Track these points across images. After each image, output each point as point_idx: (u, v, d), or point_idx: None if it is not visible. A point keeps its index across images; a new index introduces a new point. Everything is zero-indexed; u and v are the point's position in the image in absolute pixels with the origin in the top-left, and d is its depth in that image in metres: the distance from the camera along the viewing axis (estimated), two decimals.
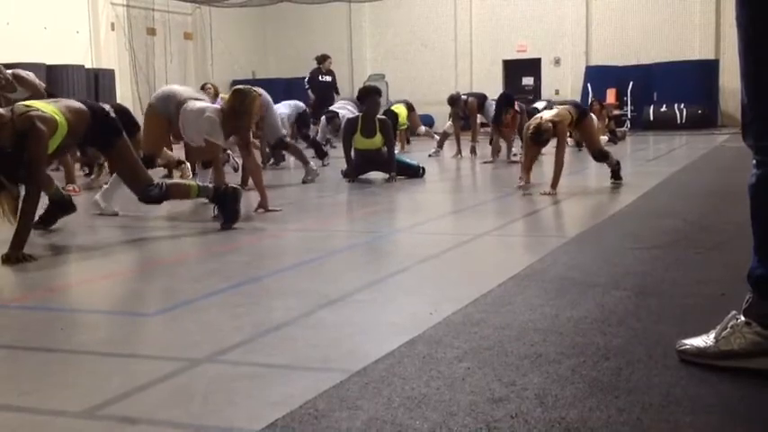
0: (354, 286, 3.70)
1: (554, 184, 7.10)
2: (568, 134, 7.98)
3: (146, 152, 6.81)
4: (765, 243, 2.32)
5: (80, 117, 5.04)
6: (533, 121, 7.43)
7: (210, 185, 5.74)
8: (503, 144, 11.47)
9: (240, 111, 6.16)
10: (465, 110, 12.50)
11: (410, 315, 3.14)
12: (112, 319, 3.39)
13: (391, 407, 2.12)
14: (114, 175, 6.80)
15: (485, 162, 11.14)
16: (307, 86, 15.53)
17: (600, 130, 14.73)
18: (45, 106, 4.91)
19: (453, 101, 12.41)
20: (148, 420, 2.10)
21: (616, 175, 7.77)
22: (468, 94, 13.03)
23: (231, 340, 2.81)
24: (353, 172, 8.84)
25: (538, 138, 7.27)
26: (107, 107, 5.49)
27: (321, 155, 10.88)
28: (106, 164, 10.25)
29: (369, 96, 9.04)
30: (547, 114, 7.44)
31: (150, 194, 5.35)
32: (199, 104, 6.48)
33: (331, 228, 5.95)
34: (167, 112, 6.61)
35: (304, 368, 2.51)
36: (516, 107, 11.44)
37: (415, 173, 8.98)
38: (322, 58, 15.87)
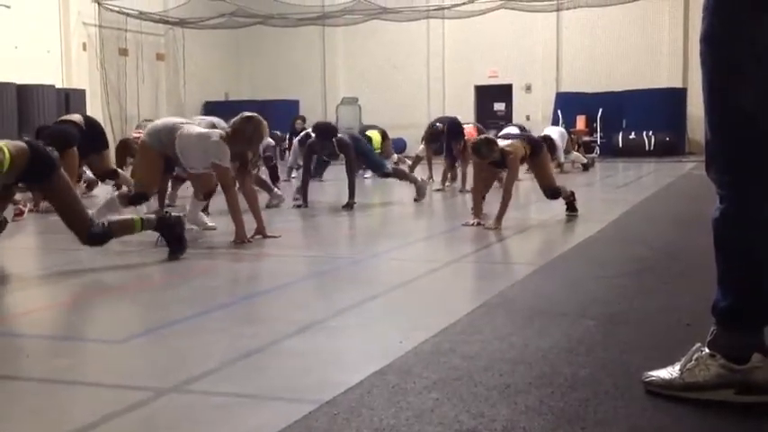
0: (325, 313, 3.69)
1: (499, 217, 6.70)
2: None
3: (138, 189, 6.72)
4: (729, 276, 2.36)
5: (21, 156, 4.78)
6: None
7: (153, 216, 5.56)
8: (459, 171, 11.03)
9: (245, 133, 6.08)
10: (441, 138, 12.53)
11: (380, 343, 3.15)
12: (78, 347, 3.35)
13: None
14: (110, 196, 6.74)
15: (437, 190, 10.78)
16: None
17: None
18: None
19: (435, 137, 12.37)
20: None
21: (571, 206, 7.48)
22: (441, 120, 13.06)
23: (199, 369, 2.79)
24: (305, 195, 8.74)
25: (477, 149, 6.90)
26: (46, 147, 5.14)
27: (274, 179, 11.03)
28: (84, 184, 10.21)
29: (325, 138, 8.79)
30: (500, 143, 7.08)
31: (93, 234, 5.07)
32: (198, 130, 6.33)
33: (300, 253, 5.94)
34: (160, 144, 6.47)
35: (273, 398, 2.50)
36: (472, 131, 11.13)
37: (377, 168, 8.94)
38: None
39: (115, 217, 5.65)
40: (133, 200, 6.65)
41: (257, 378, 2.71)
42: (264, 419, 2.28)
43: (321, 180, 11.37)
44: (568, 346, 3.00)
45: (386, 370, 2.71)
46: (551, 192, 7.47)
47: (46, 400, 2.58)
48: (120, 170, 9.67)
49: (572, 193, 7.54)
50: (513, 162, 7.03)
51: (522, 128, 13.94)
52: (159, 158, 6.58)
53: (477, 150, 6.96)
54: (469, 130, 11.58)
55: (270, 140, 11.41)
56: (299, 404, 2.38)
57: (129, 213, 6.36)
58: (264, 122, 6.22)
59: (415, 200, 9.25)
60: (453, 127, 11.20)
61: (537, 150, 7.38)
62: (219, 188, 6.47)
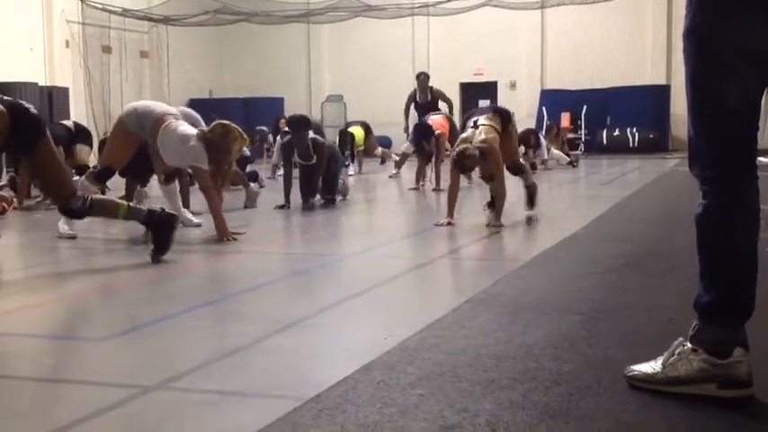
0: (309, 310, 3.69)
1: (497, 214, 6.64)
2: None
3: (103, 164, 6.57)
4: (710, 271, 2.38)
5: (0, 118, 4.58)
6: (459, 145, 6.87)
7: (144, 208, 5.28)
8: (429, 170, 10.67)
9: (221, 147, 6.06)
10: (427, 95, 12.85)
11: (365, 340, 3.15)
12: (61, 345, 3.34)
13: None
14: (80, 180, 6.66)
15: (410, 189, 10.55)
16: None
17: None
18: None
19: (419, 75, 12.43)
20: None
21: (530, 200, 7.22)
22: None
23: (183, 366, 2.78)
24: (288, 197, 8.43)
25: (460, 164, 6.74)
26: (30, 107, 4.95)
27: (254, 177, 11.02)
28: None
29: (298, 130, 8.57)
30: (476, 138, 6.76)
31: (72, 206, 4.92)
32: (181, 129, 6.20)
33: (284, 251, 5.93)
34: (141, 129, 6.30)
35: (258, 395, 2.50)
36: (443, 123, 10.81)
37: (329, 191, 8.60)
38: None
39: (100, 195, 5.50)
40: (98, 176, 6.45)
41: (242, 375, 2.70)
42: (249, 416, 2.28)
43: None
44: (553, 341, 3.01)
45: (371, 366, 2.71)
46: (515, 168, 7.28)
47: (29, 398, 2.57)
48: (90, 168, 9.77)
49: (534, 185, 7.29)
50: (495, 161, 6.78)
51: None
52: (134, 141, 6.39)
53: (460, 164, 6.76)
54: (440, 121, 10.98)
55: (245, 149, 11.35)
56: (283, 401, 2.38)
57: (104, 194, 6.25)
58: (234, 130, 6.17)
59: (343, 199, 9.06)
60: (420, 128, 10.88)
61: (506, 121, 7.09)
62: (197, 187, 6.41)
